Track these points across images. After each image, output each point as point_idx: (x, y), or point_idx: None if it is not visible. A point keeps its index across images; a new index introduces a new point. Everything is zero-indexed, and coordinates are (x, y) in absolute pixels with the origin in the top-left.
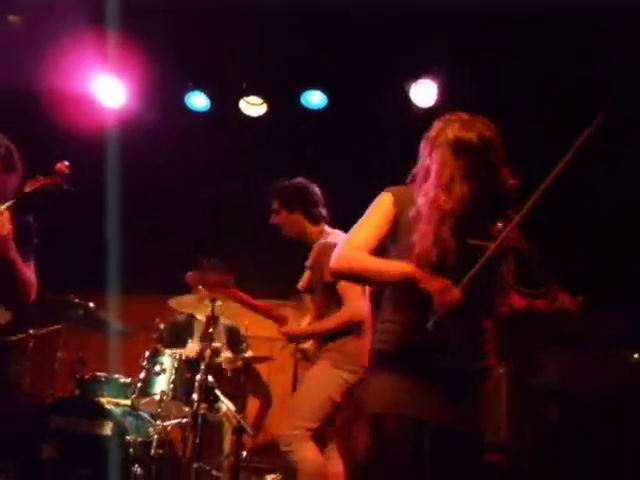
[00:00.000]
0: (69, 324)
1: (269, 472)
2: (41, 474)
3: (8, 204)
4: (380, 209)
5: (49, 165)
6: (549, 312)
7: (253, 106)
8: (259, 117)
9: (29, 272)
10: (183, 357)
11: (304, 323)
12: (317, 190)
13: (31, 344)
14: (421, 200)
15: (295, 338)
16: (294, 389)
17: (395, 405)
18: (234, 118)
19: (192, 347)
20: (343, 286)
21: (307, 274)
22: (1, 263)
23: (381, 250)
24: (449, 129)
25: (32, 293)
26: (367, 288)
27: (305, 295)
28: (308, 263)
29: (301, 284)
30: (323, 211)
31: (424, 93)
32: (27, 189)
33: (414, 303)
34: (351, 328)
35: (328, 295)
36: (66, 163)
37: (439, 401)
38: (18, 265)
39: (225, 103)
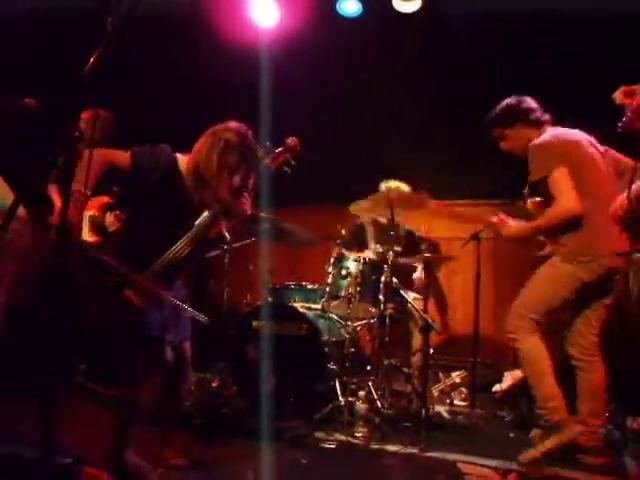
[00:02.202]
0: (257, 238)
1: (455, 369)
2: (248, 373)
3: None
4: None
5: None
6: None
7: (406, 2)
8: (414, 13)
9: None
10: (367, 260)
11: None
12: (529, 99)
13: (226, 259)
14: None
15: (519, 239)
16: (476, 289)
17: None
18: (387, 18)
19: (374, 249)
20: (552, 181)
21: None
22: None
23: None
24: None
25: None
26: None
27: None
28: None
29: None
30: (543, 115)
31: None
32: (268, 164)
33: None
34: (574, 222)
35: (540, 195)
36: (295, 139)
37: None
38: None
39: (377, 4)
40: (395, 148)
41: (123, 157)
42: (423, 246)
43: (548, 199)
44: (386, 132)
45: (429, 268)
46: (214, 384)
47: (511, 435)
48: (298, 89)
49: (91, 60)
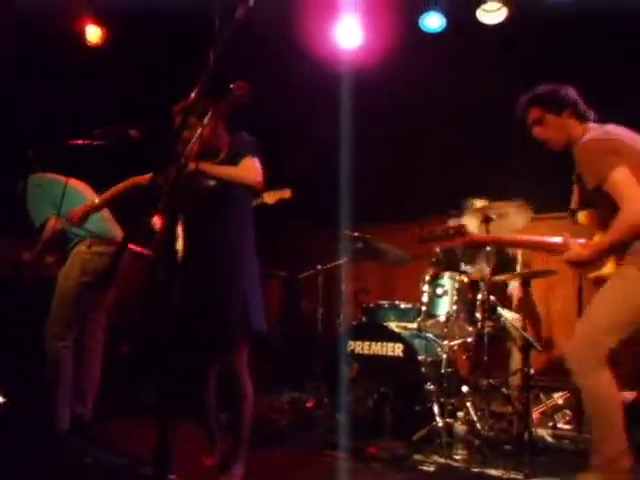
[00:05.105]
0: (351, 257)
1: (557, 390)
2: (344, 392)
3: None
4: None
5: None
6: None
7: (491, 13)
8: (499, 24)
9: (240, 171)
10: (463, 279)
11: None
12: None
13: (320, 279)
14: None
15: (582, 264)
16: (579, 304)
17: None
18: (472, 31)
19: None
20: (613, 184)
21: (577, 189)
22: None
23: None
24: None
25: (251, 180)
26: None
27: (583, 214)
28: (577, 172)
29: (574, 203)
30: (588, 110)
31: None
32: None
33: None
34: None
35: (603, 203)
36: (239, 84)
37: None
38: (220, 174)
39: (461, 17)
40: (483, 164)
41: None
42: (514, 263)
43: (606, 207)
44: (477, 147)
45: (526, 285)
46: (309, 404)
47: None
48: (382, 106)
49: (193, 95)
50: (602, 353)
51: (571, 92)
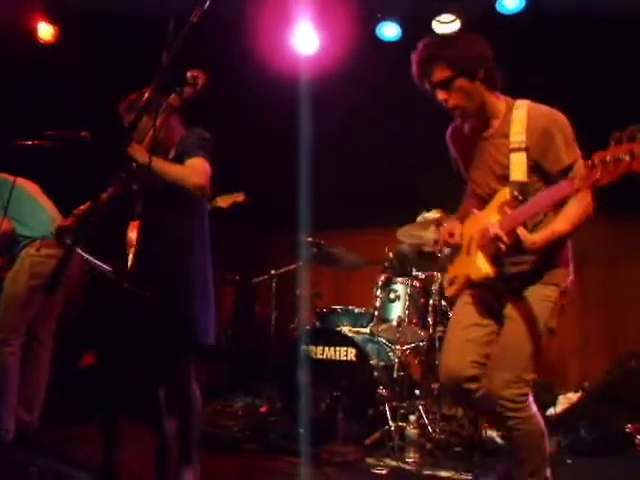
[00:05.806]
0: (305, 262)
1: None
2: (297, 398)
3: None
4: None
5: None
6: None
7: (446, 24)
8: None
9: (185, 170)
10: (415, 283)
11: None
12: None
13: (274, 284)
14: None
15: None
16: None
17: None
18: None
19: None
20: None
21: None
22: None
23: None
24: None
25: (193, 182)
26: None
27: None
28: (520, 142)
29: (520, 175)
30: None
31: None
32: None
33: None
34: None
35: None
36: (195, 73)
37: None
38: (167, 172)
39: (416, 27)
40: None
41: None
42: None
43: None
44: (431, 155)
45: None
46: (262, 409)
47: (568, 461)
48: (339, 113)
49: (146, 94)
50: (531, 387)
51: (484, 47)
